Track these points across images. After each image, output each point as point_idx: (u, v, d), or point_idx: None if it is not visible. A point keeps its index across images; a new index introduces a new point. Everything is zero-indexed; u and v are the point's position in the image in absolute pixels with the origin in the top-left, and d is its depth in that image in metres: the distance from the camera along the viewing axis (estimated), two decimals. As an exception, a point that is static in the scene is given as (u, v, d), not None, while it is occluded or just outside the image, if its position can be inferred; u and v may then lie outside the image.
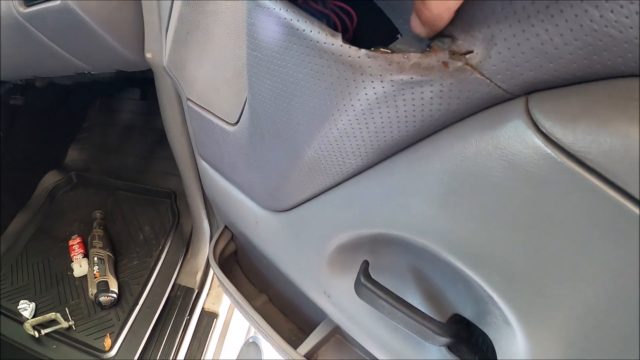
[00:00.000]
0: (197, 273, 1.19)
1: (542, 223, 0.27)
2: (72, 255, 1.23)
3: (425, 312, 0.38)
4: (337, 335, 0.68)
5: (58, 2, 0.68)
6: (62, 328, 1.06)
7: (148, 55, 0.79)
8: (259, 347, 1.29)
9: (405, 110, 0.31)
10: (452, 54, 0.27)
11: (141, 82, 1.61)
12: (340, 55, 0.29)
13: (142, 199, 1.43)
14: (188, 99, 0.64)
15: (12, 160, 1.38)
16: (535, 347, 0.31)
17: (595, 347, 0.27)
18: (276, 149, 0.46)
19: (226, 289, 0.80)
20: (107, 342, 1.04)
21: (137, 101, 1.68)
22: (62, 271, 1.22)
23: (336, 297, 0.54)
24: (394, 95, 0.30)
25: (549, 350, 0.30)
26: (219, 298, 1.21)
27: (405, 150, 0.35)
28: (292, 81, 0.35)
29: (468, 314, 0.39)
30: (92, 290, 1.10)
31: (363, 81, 0.30)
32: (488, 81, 0.27)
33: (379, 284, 0.40)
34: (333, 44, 0.29)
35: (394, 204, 0.37)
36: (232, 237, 0.89)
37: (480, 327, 0.37)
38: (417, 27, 0.26)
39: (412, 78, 0.28)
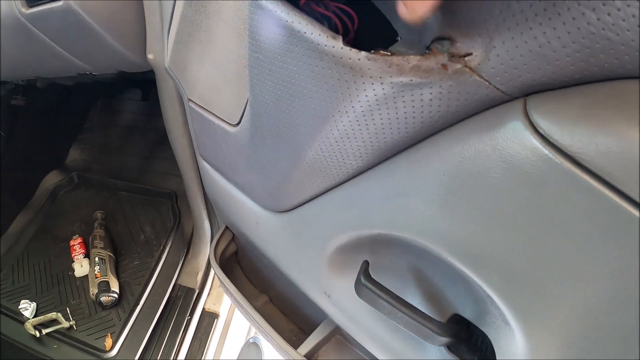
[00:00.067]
0: (197, 273, 1.19)
1: (540, 223, 0.27)
2: (73, 255, 1.24)
3: (425, 312, 0.38)
4: (337, 335, 0.68)
5: (60, 3, 0.69)
6: (63, 328, 1.06)
7: (150, 56, 0.79)
8: (260, 348, 1.29)
9: (405, 112, 0.31)
10: (451, 56, 0.27)
11: (142, 83, 1.62)
12: (341, 58, 0.30)
13: (143, 200, 1.43)
14: (189, 100, 0.64)
15: (13, 160, 1.39)
16: (534, 347, 0.31)
17: (595, 347, 0.28)
18: (277, 149, 0.46)
19: (227, 289, 0.80)
20: (108, 342, 1.04)
21: (138, 102, 1.68)
22: (63, 271, 1.23)
23: (336, 297, 0.54)
24: (394, 97, 0.30)
25: (548, 350, 0.30)
26: (220, 298, 1.21)
27: (405, 152, 0.35)
28: (293, 83, 0.35)
29: (468, 314, 0.39)
30: (93, 290, 1.11)
31: (363, 83, 0.30)
32: (487, 83, 0.27)
33: (380, 284, 0.40)
34: (334, 47, 0.30)
35: (394, 205, 0.38)
36: (233, 238, 0.89)
37: (479, 327, 0.37)
38: (401, 9, 0.25)
39: (411, 80, 0.28)
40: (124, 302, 1.13)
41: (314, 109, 0.36)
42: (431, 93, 0.29)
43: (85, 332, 1.07)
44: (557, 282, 0.28)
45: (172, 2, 0.59)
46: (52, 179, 1.52)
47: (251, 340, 1.32)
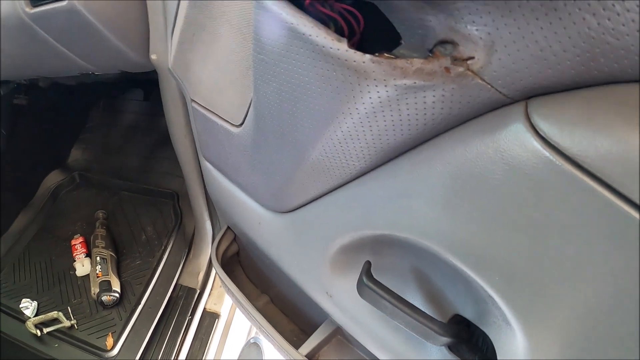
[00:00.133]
0: (199, 273, 1.19)
1: (541, 224, 0.27)
2: (74, 254, 1.24)
3: (426, 312, 0.39)
4: (338, 336, 0.69)
5: (64, 3, 0.69)
6: (64, 327, 1.06)
7: (153, 56, 0.80)
8: (260, 348, 1.29)
9: (408, 114, 0.31)
10: (454, 59, 0.27)
11: (144, 83, 1.62)
12: (346, 60, 0.30)
13: (144, 200, 1.44)
14: (192, 100, 0.64)
15: (15, 159, 1.39)
16: (535, 347, 0.31)
17: (595, 347, 0.28)
18: (280, 150, 0.47)
19: (228, 289, 0.80)
20: (109, 341, 1.04)
21: (140, 102, 1.69)
22: (64, 270, 1.23)
23: (338, 297, 0.54)
24: (398, 100, 0.30)
25: (549, 350, 0.30)
26: (221, 298, 1.21)
27: (407, 153, 0.35)
28: (298, 84, 0.36)
29: (468, 314, 0.39)
30: (95, 290, 1.11)
31: (367, 85, 0.31)
32: (489, 86, 0.28)
33: (382, 284, 0.40)
34: (339, 49, 0.30)
35: (397, 206, 0.38)
36: (235, 238, 0.89)
37: (480, 327, 0.38)
38: None
39: (415, 83, 0.29)
40: (125, 301, 1.13)
41: (318, 110, 0.36)
42: (434, 96, 0.29)
43: (87, 331, 1.07)
44: (557, 282, 0.28)
45: (176, 2, 0.60)
46: (53, 179, 1.53)
47: (252, 341, 1.32)
